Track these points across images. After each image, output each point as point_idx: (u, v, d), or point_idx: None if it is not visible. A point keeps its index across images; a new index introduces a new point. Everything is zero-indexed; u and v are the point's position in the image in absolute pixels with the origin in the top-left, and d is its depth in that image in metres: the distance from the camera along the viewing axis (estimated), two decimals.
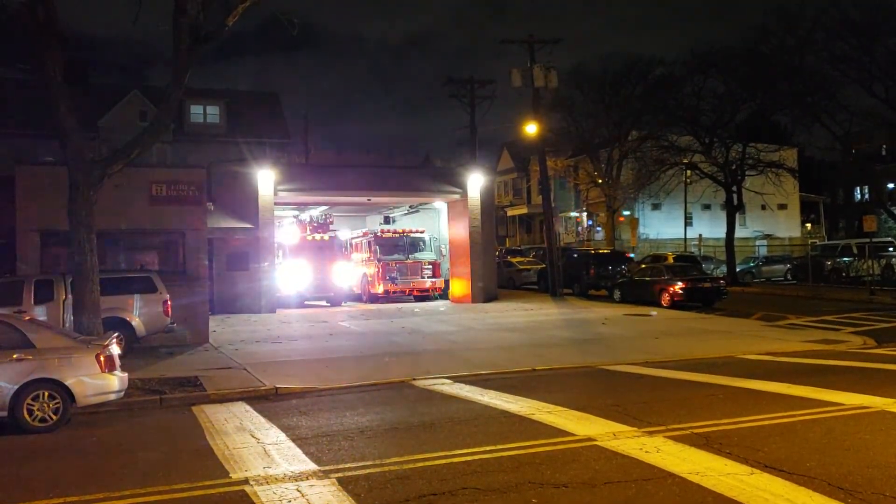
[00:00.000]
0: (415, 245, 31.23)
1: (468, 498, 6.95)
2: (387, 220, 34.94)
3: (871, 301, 28.68)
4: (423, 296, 30.98)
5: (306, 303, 29.40)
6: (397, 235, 31.42)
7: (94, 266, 13.44)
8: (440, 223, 32.45)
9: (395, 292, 30.12)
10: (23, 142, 35.79)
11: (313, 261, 29.27)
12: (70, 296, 14.88)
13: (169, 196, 19.32)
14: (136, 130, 21.20)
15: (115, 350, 11.26)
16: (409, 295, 30.68)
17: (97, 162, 13.77)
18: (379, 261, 30.23)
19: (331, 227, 31.67)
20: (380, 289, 30.16)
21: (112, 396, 11.04)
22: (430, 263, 31.02)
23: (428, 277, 30.86)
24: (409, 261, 30.62)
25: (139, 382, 12.89)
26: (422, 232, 31.85)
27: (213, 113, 44.50)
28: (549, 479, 7.44)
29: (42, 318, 14.97)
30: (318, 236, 30.35)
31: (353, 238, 33.22)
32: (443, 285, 31.29)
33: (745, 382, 12.53)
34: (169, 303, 17.07)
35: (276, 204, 27.33)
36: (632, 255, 38.45)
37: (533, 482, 7.33)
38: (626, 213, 49.41)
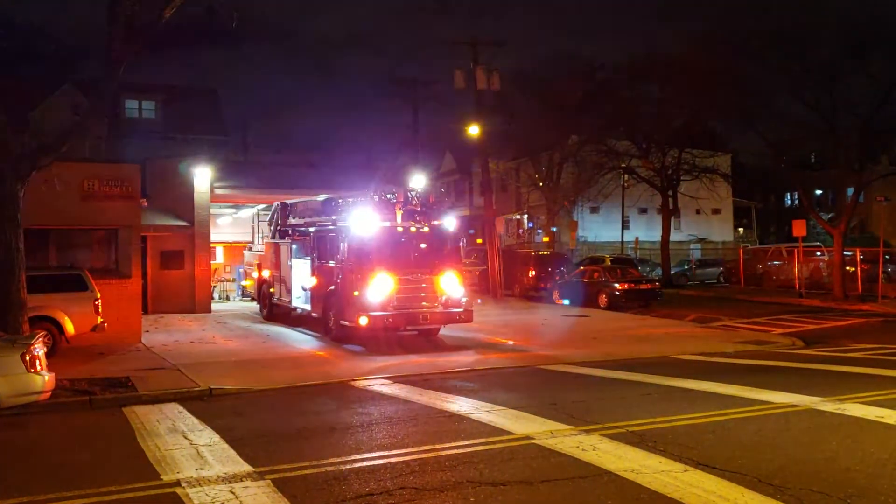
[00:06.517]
0: None
1: (406, 497, 6.90)
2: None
3: (799, 304, 29.60)
4: None
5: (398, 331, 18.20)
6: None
7: (20, 263, 13.00)
8: None
9: None
10: None
11: (409, 267, 17.85)
12: None
13: (101, 192, 18.74)
14: (68, 124, 20.54)
15: (41, 349, 10.87)
16: None
17: (26, 155, 13.28)
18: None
19: (436, 211, 19.12)
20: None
21: (37, 397, 10.63)
22: None
23: None
24: None
25: (68, 383, 12.47)
26: None
27: (148, 108, 43.48)
28: (487, 477, 7.44)
29: None
30: (414, 227, 18.27)
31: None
32: None
33: (679, 382, 12.77)
34: (100, 301, 16.59)
35: (212, 202, 26.83)
36: (569, 257, 38.95)
37: (471, 481, 7.32)
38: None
